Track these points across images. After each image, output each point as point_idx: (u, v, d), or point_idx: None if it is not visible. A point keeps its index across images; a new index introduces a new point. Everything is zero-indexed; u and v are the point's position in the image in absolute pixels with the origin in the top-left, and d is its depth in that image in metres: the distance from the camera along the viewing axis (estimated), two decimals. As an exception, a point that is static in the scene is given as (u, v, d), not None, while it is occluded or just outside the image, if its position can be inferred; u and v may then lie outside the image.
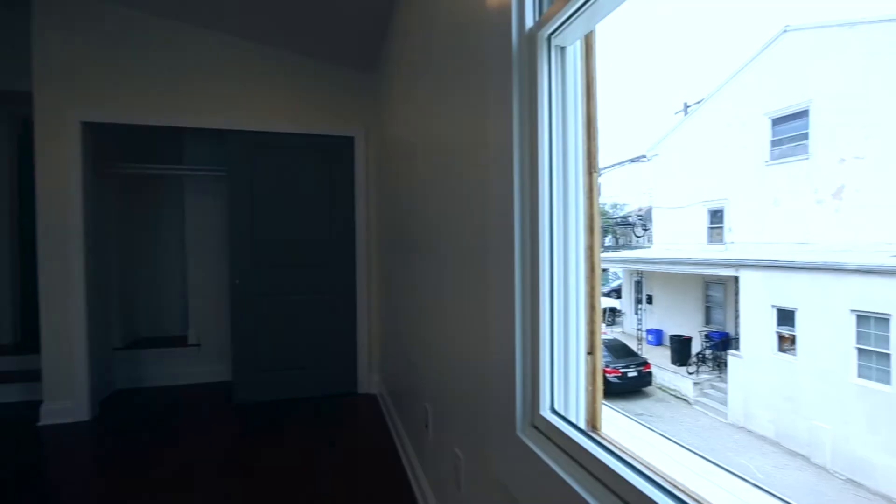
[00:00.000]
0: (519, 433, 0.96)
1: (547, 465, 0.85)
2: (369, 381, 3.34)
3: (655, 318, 10.17)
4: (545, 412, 0.94)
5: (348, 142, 3.29)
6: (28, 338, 3.72)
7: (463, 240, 1.35)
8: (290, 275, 3.19)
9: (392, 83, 2.55)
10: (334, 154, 3.27)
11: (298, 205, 3.20)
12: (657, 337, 10.05)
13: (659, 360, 8.64)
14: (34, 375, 3.01)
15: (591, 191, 0.99)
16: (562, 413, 0.93)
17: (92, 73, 2.87)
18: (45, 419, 2.80)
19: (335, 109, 3.25)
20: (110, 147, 3.42)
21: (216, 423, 2.79)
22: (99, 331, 3.04)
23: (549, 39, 0.95)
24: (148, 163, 3.65)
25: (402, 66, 2.25)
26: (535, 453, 0.90)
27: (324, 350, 3.26)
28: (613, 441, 0.84)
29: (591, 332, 0.99)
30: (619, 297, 11.80)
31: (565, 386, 0.95)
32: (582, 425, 0.92)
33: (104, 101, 2.89)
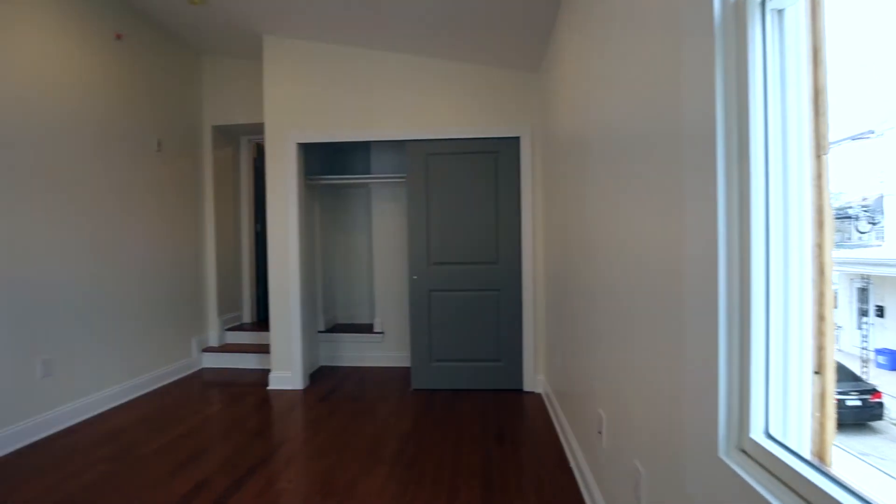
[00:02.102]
0: (722, 455, 0.86)
1: (761, 496, 0.74)
2: (534, 379, 3.34)
3: (889, 334, 7.99)
4: (757, 436, 0.82)
5: (514, 142, 3.33)
6: (261, 319, 4.68)
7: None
8: (460, 272, 3.38)
9: (559, 78, 2.50)
10: (501, 154, 3.35)
11: (468, 205, 3.37)
12: (892, 359, 7.89)
13: (894, 388, 6.75)
14: (265, 349, 3.76)
15: (819, 177, 0.83)
16: (779, 439, 0.80)
17: (302, 103, 3.45)
18: (273, 385, 3.49)
19: (501, 111, 3.33)
20: (314, 162, 4.08)
21: (398, 403, 3.12)
22: (309, 316, 3.66)
23: (762, 3, 0.82)
24: (343, 174, 4.26)
25: (569, 59, 2.19)
26: (743, 480, 0.79)
27: (492, 346, 3.38)
28: (850, 482, 0.69)
29: (820, 348, 0.83)
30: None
31: (784, 409, 0.81)
32: (807, 456, 0.78)
33: (311, 125, 3.46)
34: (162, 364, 3.57)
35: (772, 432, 0.81)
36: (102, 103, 3.04)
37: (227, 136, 4.43)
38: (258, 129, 4.30)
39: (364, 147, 4.31)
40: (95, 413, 2.93)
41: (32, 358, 2.55)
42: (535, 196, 3.33)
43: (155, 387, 3.47)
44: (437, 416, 2.87)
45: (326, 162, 4.34)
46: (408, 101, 3.40)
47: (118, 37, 3.16)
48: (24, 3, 2.53)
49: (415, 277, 3.40)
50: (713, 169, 0.87)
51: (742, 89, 0.84)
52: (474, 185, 3.37)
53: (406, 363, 4.00)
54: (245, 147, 4.69)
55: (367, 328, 4.17)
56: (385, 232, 4.07)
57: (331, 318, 4.29)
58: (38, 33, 2.61)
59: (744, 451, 0.84)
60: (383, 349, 4.04)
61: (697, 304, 0.93)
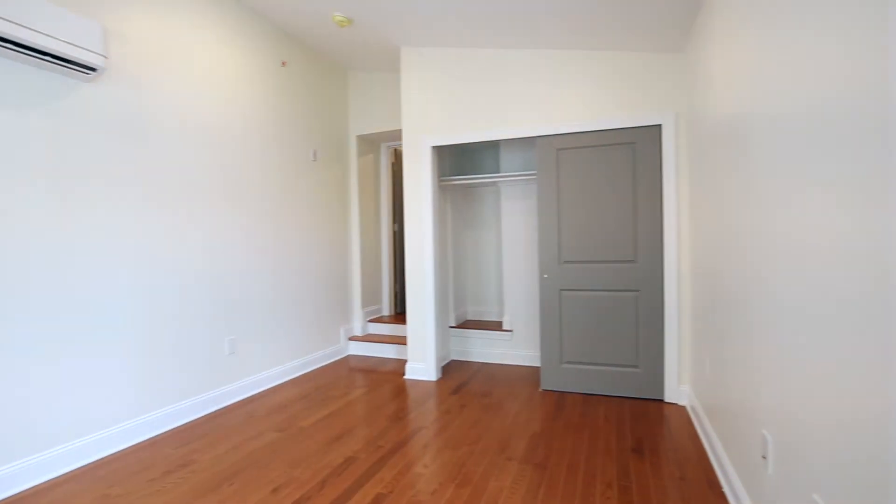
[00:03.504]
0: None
1: None
2: (678, 390, 3.04)
3: None
4: None
5: (654, 131, 3.07)
6: (399, 312, 5.03)
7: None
8: (593, 271, 3.23)
9: (711, 56, 2.23)
10: (639, 145, 3.11)
11: (602, 201, 3.20)
12: None
13: None
14: (402, 340, 4.03)
15: None
16: None
17: (436, 108, 3.62)
18: (409, 374, 3.72)
19: (639, 99, 3.09)
20: (446, 164, 4.24)
21: (527, 402, 3.09)
22: (441, 311, 3.83)
23: None
24: (473, 174, 4.37)
25: (725, 33, 1.93)
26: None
27: (629, 351, 3.16)
28: None
29: None
30: None
31: None
32: None
33: (444, 129, 3.60)
34: (316, 348, 4.05)
35: None
36: (269, 121, 3.55)
37: (369, 143, 4.84)
38: (396, 135, 4.63)
39: (493, 146, 4.36)
40: (265, 388, 3.45)
41: (222, 338, 3.10)
42: (680, 189, 3.02)
43: (310, 368, 3.95)
44: (569, 420, 2.79)
45: (457, 163, 4.49)
46: (537, 97, 3.34)
47: (283, 64, 3.66)
48: (217, 41, 3.07)
49: (545, 276, 3.34)
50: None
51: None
52: (609, 178, 3.19)
53: (534, 362, 3.95)
54: (384, 153, 5.08)
55: (496, 325, 4.21)
56: (514, 230, 4.06)
57: (461, 314, 4.43)
58: (225, 64, 3.15)
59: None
60: (512, 347, 4.04)
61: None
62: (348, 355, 4.45)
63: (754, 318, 1.63)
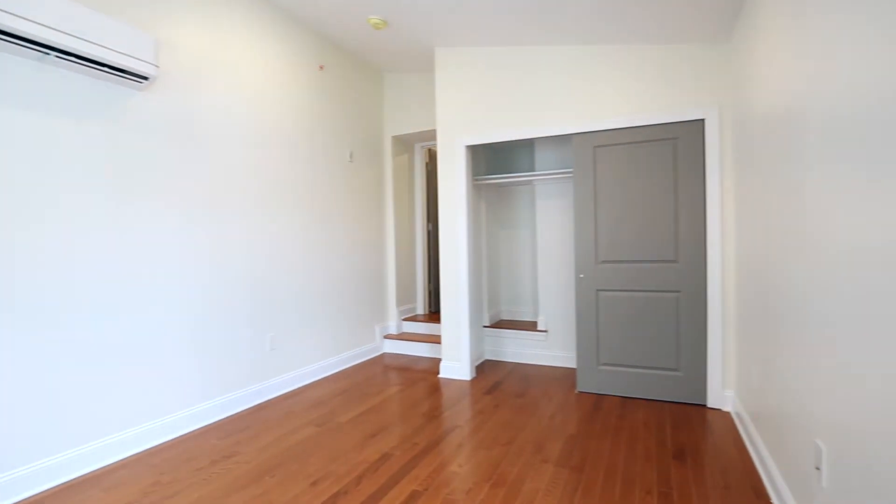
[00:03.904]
0: None
1: None
2: (721, 395, 2.92)
3: None
4: None
5: (697, 126, 2.96)
6: (433, 311, 5.07)
7: None
8: (632, 271, 3.15)
9: (761, 44, 2.13)
10: (681, 141, 3.01)
11: (641, 199, 3.12)
12: None
13: None
14: (436, 339, 4.05)
15: None
16: None
17: (470, 107, 3.61)
18: (443, 373, 3.74)
19: (680, 93, 2.98)
20: (480, 163, 4.23)
21: (562, 403, 3.05)
22: (475, 311, 3.82)
23: None
24: (507, 173, 4.35)
25: (779, 17, 1.84)
26: None
27: (669, 353, 3.07)
28: None
29: None
30: None
31: None
32: None
33: (478, 128, 3.59)
34: (353, 346, 4.13)
35: None
36: (307, 124, 3.64)
37: (404, 144, 4.89)
38: (430, 135, 4.66)
39: (528, 144, 4.32)
40: (305, 383, 3.54)
41: (264, 334, 3.20)
42: (725, 186, 2.90)
43: (347, 365, 4.03)
44: (606, 423, 2.73)
45: (491, 162, 4.47)
46: (572, 93, 3.29)
47: (321, 68, 3.75)
48: (259, 48, 3.18)
49: (581, 276, 3.28)
50: None
51: None
52: (648, 176, 3.10)
53: (570, 364, 3.89)
54: (419, 153, 5.11)
55: (531, 326, 4.17)
56: (549, 229, 4.01)
57: (495, 314, 4.41)
58: (266, 70, 3.25)
59: None
60: (546, 348, 3.99)
61: None
62: (383, 353, 4.51)
63: (809, 321, 1.55)
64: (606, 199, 3.21)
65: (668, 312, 3.07)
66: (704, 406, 2.98)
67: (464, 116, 3.65)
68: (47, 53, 1.98)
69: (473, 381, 3.60)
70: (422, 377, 3.72)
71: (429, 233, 5.20)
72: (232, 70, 2.98)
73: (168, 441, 2.54)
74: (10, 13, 1.79)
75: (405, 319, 4.78)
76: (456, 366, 3.69)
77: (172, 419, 2.59)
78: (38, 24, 1.88)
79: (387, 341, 4.56)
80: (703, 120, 2.95)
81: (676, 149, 3.03)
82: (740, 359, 2.72)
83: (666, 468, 2.18)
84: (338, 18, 3.41)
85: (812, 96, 1.48)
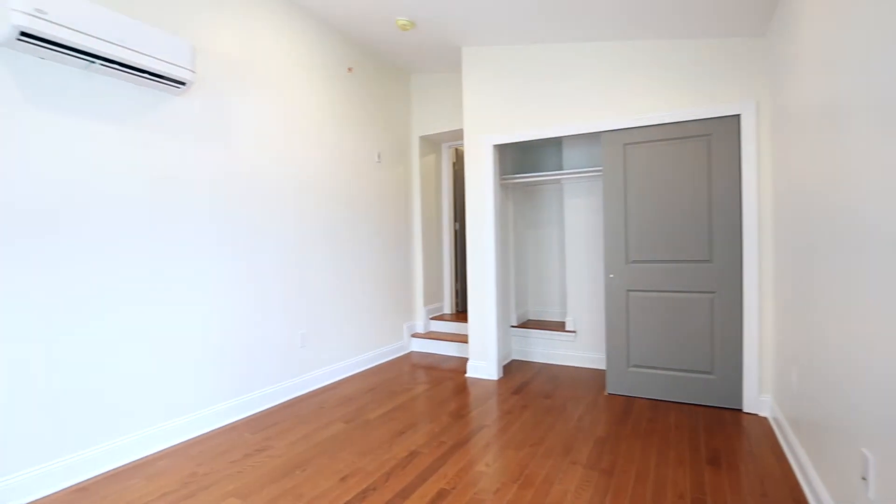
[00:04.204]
0: None
1: None
2: (758, 400, 2.83)
3: None
4: None
5: (732, 121, 2.87)
6: (460, 310, 5.08)
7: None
8: (663, 271, 3.08)
9: (804, 34, 2.04)
10: (715, 137, 2.92)
11: (673, 197, 3.04)
12: None
13: None
14: (463, 338, 4.06)
15: None
16: None
17: (497, 106, 3.60)
18: (470, 372, 3.74)
19: (713, 88, 2.90)
20: (507, 162, 4.21)
21: (591, 405, 3.01)
22: (503, 310, 3.81)
23: None
24: (535, 171, 4.31)
25: (824, 4, 1.77)
26: None
27: (703, 355, 2.98)
28: None
29: None
30: None
31: None
32: None
33: (505, 127, 3.58)
34: (381, 345, 4.18)
35: None
36: (336, 125, 3.70)
37: (431, 144, 4.91)
38: (457, 135, 4.67)
39: (556, 143, 4.28)
40: (334, 380, 3.60)
41: (295, 332, 3.28)
42: (762, 183, 2.80)
43: (376, 363, 4.08)
44: (636, 426, 2.68)
45: (518, 161, 4.44)
46: (601, 91, 3.23)
47: (350, 70, 3.80)
48: (290, 52, 3.25)
49: (611, 276, 3.22)
50: None
51: None
52: (681, 173, 3.02)
53: (599, 365, 3.83)
54: (445, 153, 5.13)
55: (559, 326, 4.13)
56: (578, 228, 3.96)
57: (523, 314, 4.38)
58: (297, 73, 3.32)
59: None
60: (575, 348, 3.94)
61: None
62: (411, 352, 4.55)
63: (854, 327, 1.48)
64: (637, 197, 3.15)
65: (701, 313, 2.98)
66: (740, 411, 2.88)
67: (491, 115, 3.64)
68: (93, 62, 2.08)
69: (501, 380, 3.58)
70: (449, 376, 3.73)
71: (456, 232, 5.21)
72: (263, 74, 3.06)
73: (204, 434, 2.63)
74: (59, 24, 1.89)
75: (432, 318, 4.80)
76: (483, 365, 3.69)
77: (208, 412, 2.68)
78: (85, 33, 1.97)
79: (414, 340, 4.59)
80: (738, 115, 2.85)
81: (710, 145, 2.94)
82: (778, 362, 2.62)
83: (699, 474, 2.12)
84: (366, 21, 3.45)
85: (859, 86, 1.41)
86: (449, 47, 3.80)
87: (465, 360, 4.17)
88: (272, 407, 3.05)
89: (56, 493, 2.02)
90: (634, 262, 3.16)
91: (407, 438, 2.54)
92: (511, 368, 3.90)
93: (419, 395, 3.28)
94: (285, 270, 3.21)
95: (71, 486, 2.07)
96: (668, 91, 3.04)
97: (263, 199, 3.05)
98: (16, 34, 1.81)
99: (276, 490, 2.03)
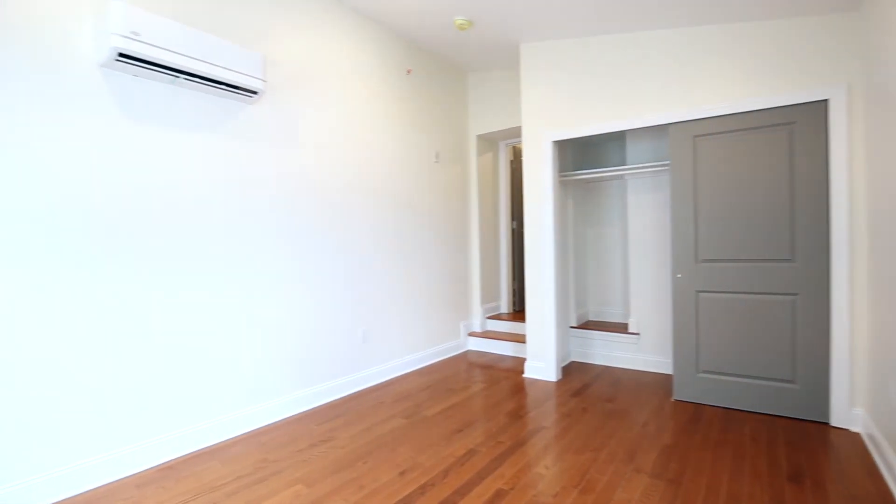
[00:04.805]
0: None
1: None
2: (849, 413, 2.57)
3: None
4: None
5: (818, 108, 2.63)
6: (517, 310, 5.03)
7: None
8: (737, 271, 2.88)
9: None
10: (798, 126, 2.69)
11: (749, 192, 2.83)
12: None
13: None
14: (520, 338, 4.01)
15: None
16: None
17: (556, 101, 3.52)
18: (528, 373, 3.69)
19: (796, 72, 2.66)
20: (566, 159, 4.11)
21: (656, 411, 2.87)
22: (562, 311, 3.73)
23: None
24: (595, 167, 4.18)
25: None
26: None
27: (783, 362, 2.76)
28: None
29: None
30: None
31: None
32: None
33: (565, 122, 3.49)
34: (438, 342, 4.23)
35: None
36: (395, 126, 3.78)
37: (488, 142, 4.90)
38: (514, 132, 4.62)
39: (618, 138, 4.13)
40: (392, 376, 3.69)
41: (356, 328, 3.39)
42: (854, 175, 2.54)
43: (432, 361, 4.14)
44: (707, 435, 2.52)
45: (578, 157, 4.33)
46: (668, 81, 3.07)
47: (409, 72, 3.87)
48: (351, 57, 3.37)
49: (679, 276, 3.06)
50: None
51: None
52: (758, 166, 2.81)
53: (664, 369, 3.65)
54: (503, 151, 5.09)
55: (621, 328, 3.98)
56: (642, 226, 3.79)
57: (582, 315, 4.27)
58: (358, 77, 3.43)
59: None
60: (638, 351, 3.78)
61: None
62: (467, 350, 4.56)
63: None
64: (708, 192, 2.97)
65: (782, 317, 2.76)
66: (827, 424, 2.64)
67: (550, 111, 3.57)
68: (177, 77, 2.26)
69: (559, 382, 3.51)
70: (506, 376, 3.71)
71: (513, 231, 5.16)
72: (325, 79, 3.18)
73: (273, 423, 2.79)
74: (150, 44, 2.07)
75: (489, 318, 4.79)
76: (541, 366, 3.63)
77: (276, 403, 2.83)
78: (172, 51, 2.15)
79: (471, 339, 4.60)
80: (826, 101, 2.61)
81: (793, 134, 2.71)
82: (874, 372, 2.37)
83: (779, 490, 1.96)
84: (425, 22, 3.50)
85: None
86: (507, 44, 3.77)
87: (521, 360, 4.12)
88: (334, 400, 3.18)
89: (147, 469, 2.23)
90: (705, 261, 2.98)
91: (464, 436, 2.55)
92: (570, 370, 3.81)
93: (476, 393, 3.29)
94: (347, 268, 3.33)
95: (159, 465, 2.27)
96: (745, 78, 2.83)
97: (327, 200, 3.18)
98: (115, 55, 2.01)
99: (339, 480, 2.11)
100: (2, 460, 1.83)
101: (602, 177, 3.89)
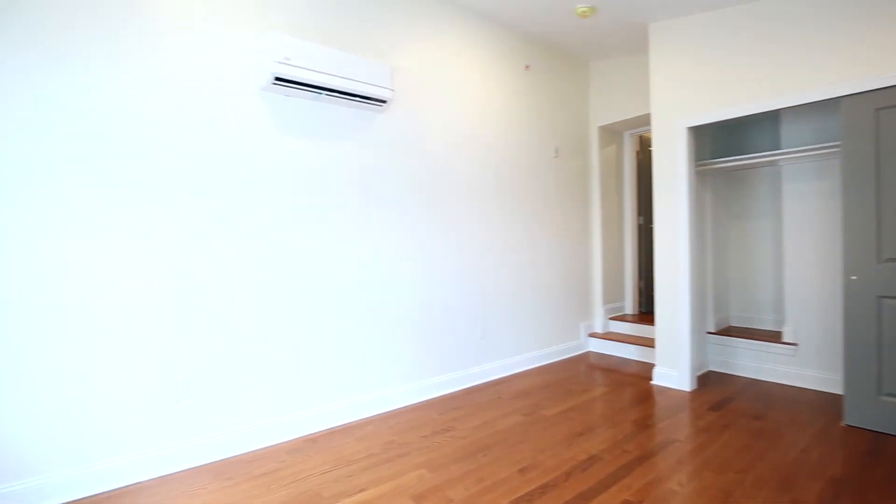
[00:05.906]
0: None
1: None
2: None
3: None
4: None
5: None
6: (643, 312, 4.70)
7: None
8: (937, 274, 2.33)
9: None
10: None
11: (956, 176, 2.28)
12: None
13: None
14: (646, 342, 3.73)
15: None
16: None
17: (691, 83, 3.20)
18: (656, 380, 3.42)
19: None
20: (702, 146, 3.71)
21: (820, 436, 2.46)
22: (698, 315, 3.39)
23: None
24: (739, 154, 3.71)
25: None
26: None
27: None
28: None
29: None
30: None
31: None
32: None
33: (703, 106, 3.15)
34: (556, 342, 4.13)
35: None
36: (513, 124, 3.76)
37: (611, 133, 4.63)
38: (640, 121, 4.31)
39: (767, 119, 3.61)
40: (510, 373, 3.69)
41: (475, 323, 3.46)
42: None
43: (551, 360, 4.05)
44: (891, 470, 2.09)
45: (717, 143, 3.88)
46: (834, 47, 2.59)
47: (527, 68, 3.83)
48: (470, 59, 3.43)
49: (853, 278, 2.57)
50: None
51: None
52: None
53: (830, 388, 3.11)
54: (628, 141, 4.77)
55: (772, 336, 3.48)
56: (801, 219, 3.27)
57: (722, 319, 3.82)
58: (476, 78, 3.48)
59: None
60: (795, 364, 3.27)
61: None
62: (588, 351, 4.38)
63: None
64: (895, 176, 2.45)
65: None
66: None
67: (683, 95, 3.25)
68: (320, 94, 2.53)
69: (694, 392, 3.19)
70: (631, 381, 3.48)
71: (639, 227, 4.81)
72: (447, 83, 3.29)
73: (399, 409, 2.97)
74: (299, 66, 2.34)
75: (612, 318, 4.53)
76: (672, 374, 3.33)
77: (402, 390, 3.02)
78: (316, 71, 2.41)
79: (591, 340, 4.41)
80: None
81: None
82: None
83: None
84: (543, 14, 3.42)
85: None
86: (633, 27, 3.52)
87: (648, 366, 3.83)
88: (454, 392, 3.28)
89: (295, 439, 2.54)
90: (890, 260, 2.47)
91: (586, 440, 2.46)
92: (708, 380, 3.44)
93: (597, 397, 3.14)
94: (464, 266, 3.41)
95: (305, 436, 2.57)
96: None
97: (448, 199, 3.29)
98: (272, 79, 2.32)
99: (460, 469, 2.18)
100: (216, 411, 2.24)
101: (749, 164, 3.44)
